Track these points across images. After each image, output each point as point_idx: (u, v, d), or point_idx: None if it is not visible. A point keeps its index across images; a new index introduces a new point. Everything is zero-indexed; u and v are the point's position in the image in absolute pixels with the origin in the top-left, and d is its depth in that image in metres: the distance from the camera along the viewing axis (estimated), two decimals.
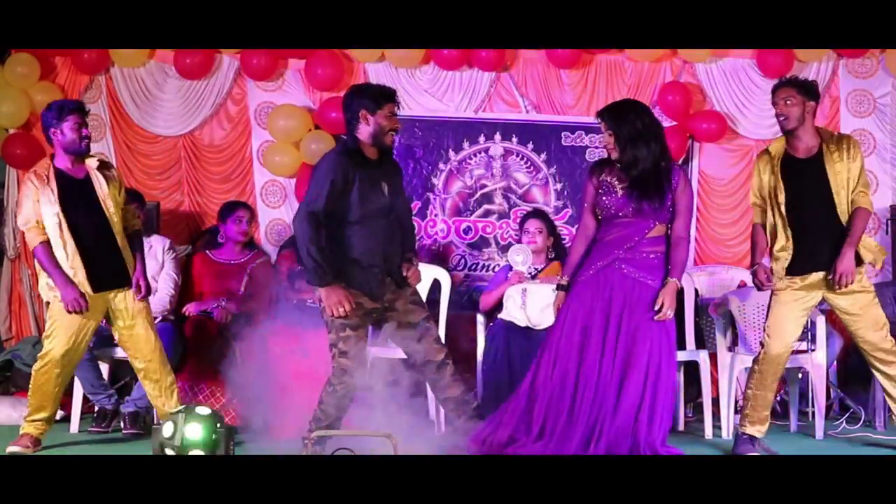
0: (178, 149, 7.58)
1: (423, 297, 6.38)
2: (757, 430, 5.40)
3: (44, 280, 5.45)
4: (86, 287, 5.34)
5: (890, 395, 5.42)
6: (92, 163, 5.50)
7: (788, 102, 5.30)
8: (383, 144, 5.09)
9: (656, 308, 4.99)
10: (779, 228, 5.35)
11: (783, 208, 5.32)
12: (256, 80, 7.57)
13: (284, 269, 6.41)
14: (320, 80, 7.47)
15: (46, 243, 5.36)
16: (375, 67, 7.51)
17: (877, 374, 5.45)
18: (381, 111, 5.03)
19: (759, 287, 5.41)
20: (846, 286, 5.22)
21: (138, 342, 5.49)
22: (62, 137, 5.40)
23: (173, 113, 7.54)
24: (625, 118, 5.09)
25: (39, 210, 5.35)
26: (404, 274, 5.18)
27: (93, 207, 5.43)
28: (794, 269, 5.33)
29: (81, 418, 6.04)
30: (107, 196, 5.43)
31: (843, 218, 5.29)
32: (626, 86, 7.54)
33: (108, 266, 5.41)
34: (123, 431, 5.97)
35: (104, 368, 6.15)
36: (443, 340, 5.36)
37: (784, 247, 5.33)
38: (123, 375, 6.46)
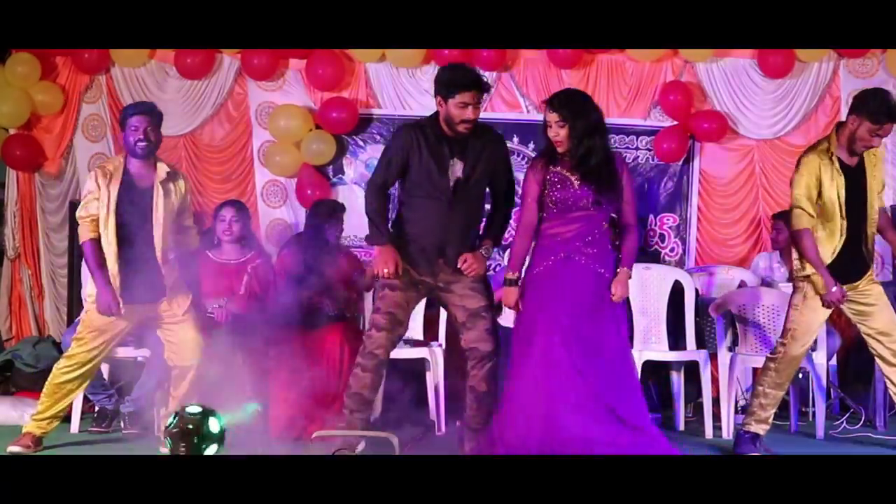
0: (179, 149, 7.58)
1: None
2: (761, 428, 5.41)
3: (89, 288, 5.42)
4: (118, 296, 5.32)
5: None
6: (161, 172, 5.40)
7: (881, 134, 5.20)
8: (457, 132, 4.99)
9: (612, 297, 4.94)
10: (833, 236, 5.28)
11: (843, 219, 5.25)
12: (257, 80, 7.57)
13: (284, 269, 6.40)
14: (321, 80, 7.47)
15: (97, 241, 5.31)
16: (376, 67, 7.52)
17: (886, 367, 5.42)
18: (452, 100, 4.93)
19: (830, 305, 5.29)
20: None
21: (180, 348, 5.49)
22: (123, 141, 5.41)
23: (174, 113, 7.52)
24: (581, 110, 4.94)
25: (96, 206, 5.32)
26: (459, 265, 5.05)
27: (146, 219, 5.34)
28: (846, 277, 5.29)
29: (81, 418, 6.03)
30: (162, 211, 5.36)
31: (871, 229, 5.32)
32: (627, 86, 7.55)
33: (146, 280, 5.35)
34: (123, 431, 5.97)
35: (104, 368, 6.15)
36: (497, 333, 5.18)
37: (830, 257, 5.28)
38: (123, 375, 6.45)
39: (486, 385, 5.11)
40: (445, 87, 4.95)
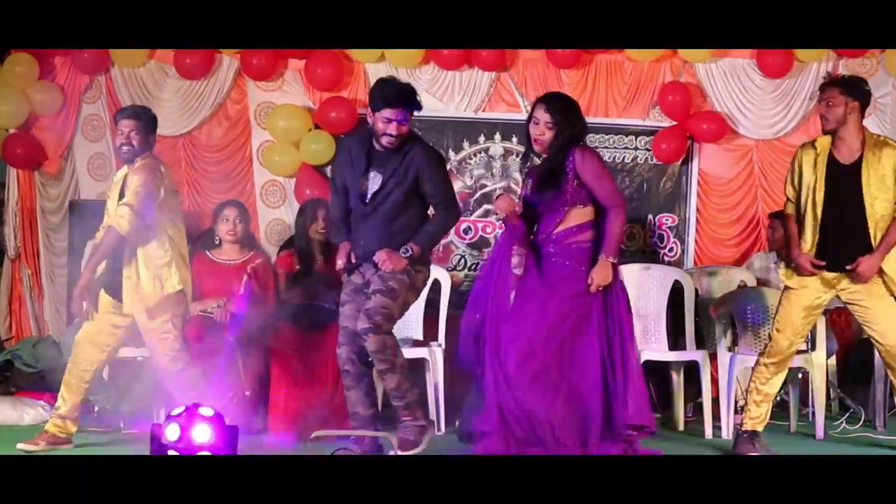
0: (178, 149, 7.57)
1: (423, 296, 6.40)
2: (758, 426, 5.41)
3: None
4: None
5: None
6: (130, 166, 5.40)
7: (830, 103, 5.25)
8: (382, 146, 5.05)
9: (590, 286, 4.91)
10: (807, 227, 5.32)
11: (818, 209, 5.28)
12: (256, 80, 7.57)
13: (283, 270, 6.40)
14: (320, 80, 7.47)
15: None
16: (375, 67, 7.51)
17: (890, 372, 5.43)
18: (378, 113, 5.00)
19: (801, 273, 5.31)
20: (863, 282, 5.22)
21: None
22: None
23: (173, 113, 7.53)
24: (570, 120, 5.01)
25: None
26: (374, 258, 5.05)
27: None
28: (830, 268, 5.29)
29: (81, 418, 6.02)
30: (114, 203, 5.35)
31: (872, 225, 5.24)
32: (626, 86, 7.55)
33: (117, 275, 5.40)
34: (123, 431, 5.97)
35: (105, 370, 6.14)
36: (379, 319, 5.00)
37: (810, 247, 5.31)
38: (123, 375, 6.44)
39: (376, 365, 5.08)
40: (373, 99, 5.05)
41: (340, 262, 5.20)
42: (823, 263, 5.26)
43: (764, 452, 5.36)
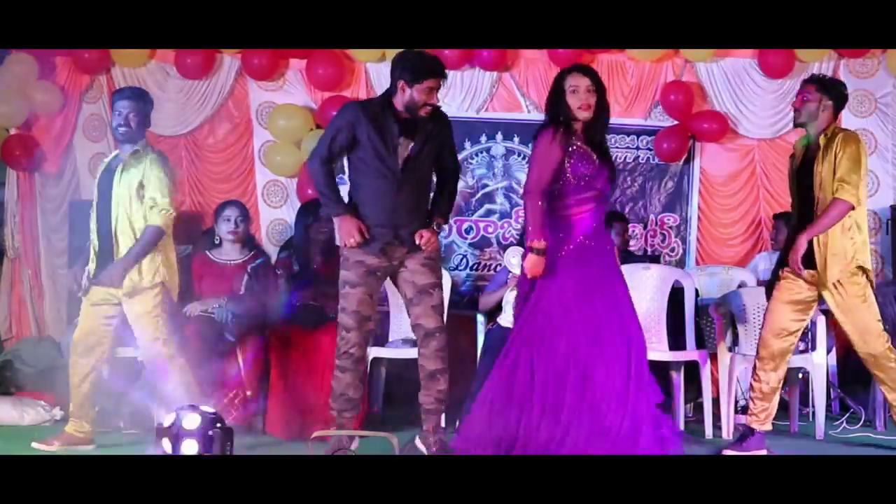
0: (180, 149, 7.58)
1: None
2: (756, 423, 5.42)
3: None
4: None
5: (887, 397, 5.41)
6: (127, 151, 5.37)
7: (805, 98, 5.31)
8: (416, 116, 5.00)
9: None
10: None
11: (795, 203, 5.39)
12: (257, 80, 7.58)
13: (284, 272, 6.40)
14: (321, 80, 7.48)
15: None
16: (377, 67, 7.52)
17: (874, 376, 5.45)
18: (419, 85, 4.94)
19: (795, 273, 5.30)
20: (797, 273, 5.23)
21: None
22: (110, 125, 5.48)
23: (174, 113, 7.54)
24: (603, 87, 4.86)
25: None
26: (416, 241, 5.03)
27: (110, 199, 5.33)
28: (786, 264, 5.34)
29: None
30: (120, 189, 5.32)
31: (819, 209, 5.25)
32: (628, 85, 7.56)
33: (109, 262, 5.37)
34: (123, 431, 5.97)
35: (105, 370, 6.14)
36: (444, 312, 5.18)
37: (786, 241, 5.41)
38: (123, 375, 6.44)
39: (434, 363, 5.11)
40: (413, 72, 4.95)
41: (354, 239, 4.95)
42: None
43: (765, 450, 5.37)
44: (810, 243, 5.22)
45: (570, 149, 4.74)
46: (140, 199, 5.28)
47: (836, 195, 5.14)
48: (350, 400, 5.18)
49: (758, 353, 5.44)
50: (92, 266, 5.36)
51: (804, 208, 5.32)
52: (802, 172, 5.34)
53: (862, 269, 5.25)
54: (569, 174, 4.74)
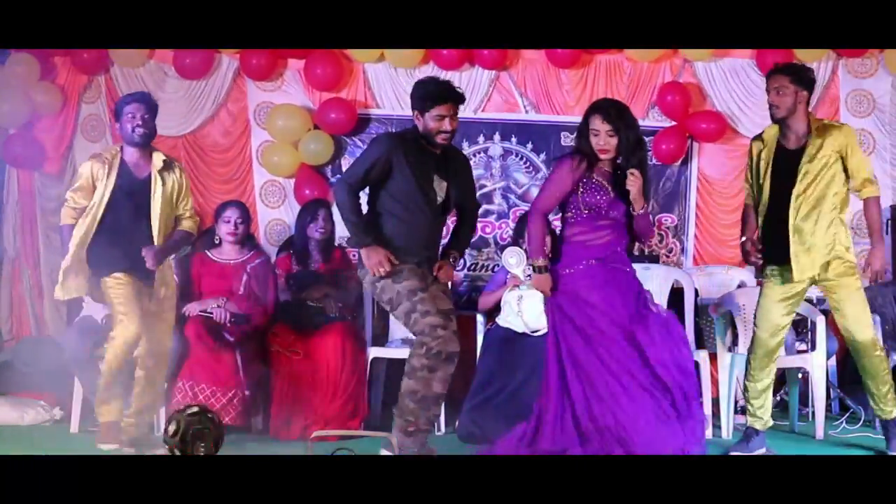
0: (178, 149, 7.57)
1: None
2: (756, 422, 5.45)
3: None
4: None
5: (869, 391, 5.45)
6: (158, 161, 5.45)
7: (780, 92, 5.27)
8: (434, 144, 5.03)
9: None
10: (758, 215, 5.42)
11: (765, 197, 5.36)
12: (256, 80, 7.57)
13: (283, 272, 6.40)
14: (320, 80, 7.48)
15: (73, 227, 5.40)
16: (375, 67, 7.52)
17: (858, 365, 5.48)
18: (428, 113, 4.97)
19: (747, 260, 5.48)
20: (880, 281, 5.37)
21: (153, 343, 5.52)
22: (120, 131, 5.47)
23: (173, 113, 7.54)
24: (631, 124, 4.91)
25: (83, 196, 5.40)
26: (434, 272, 5.10)
27: (143, 208, 5.42)
28: (775, 259, 5.36)
29: (81, 418, 6.03)
30: (160, 200, 5.43)
31: (809, 214, 5.25)
32: (626, 85, 7.56)
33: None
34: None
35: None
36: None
37: (755, 235, 5.43)
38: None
39: (443, 386, 5.06)
40: (421, 100, 5.00)
41: (384, 269, 4.93)
42: (762, 247, 5.35)
43: (766, 450, 5.38)
44: (786, 237, 5.25)
45: (584, 181, 4.90)
46: (172, 208, 5.53)
47: (868, 193, 5.29)
48: (430, 407, 5.10)
49: (752, 352, 5.45)
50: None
51: (777, 201, 5.30)
52: (779, 165, 5.33)
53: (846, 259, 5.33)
54: (580, 204, 4.91)
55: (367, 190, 5.14)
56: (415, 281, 4.99)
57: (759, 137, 5.50)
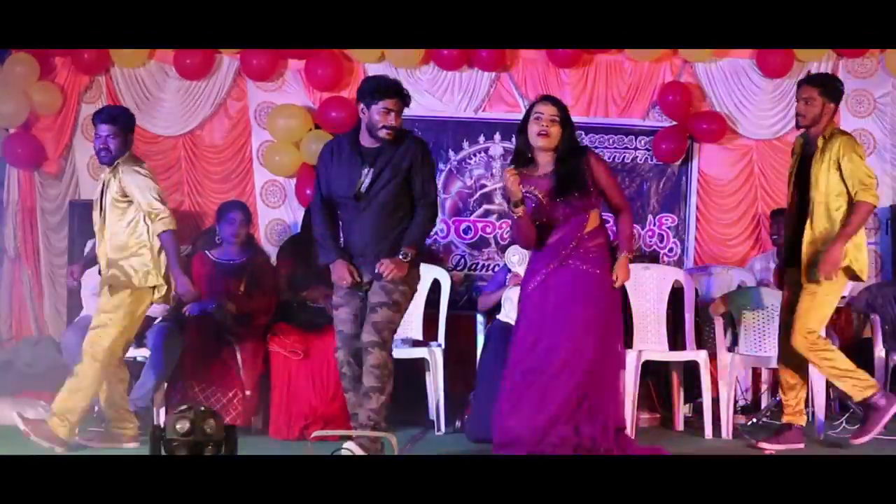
0: (178, 149, 7.58)
1: (423, 296, 6.40)
2: (799, 417, 5.62)
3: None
4: None
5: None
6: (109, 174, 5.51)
7: (808, 103, 5.39)
8: (378, 139, 5.05)
9: (614, 283, 4.95)
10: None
11: (790, 201, 5.48)
12: (256, 81, 7.57)
13: (284, 272, 6.40)
14: (320, 80, 7.47)
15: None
16: (375, 67, 7.51)
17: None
18: (375, 106, 5.00)
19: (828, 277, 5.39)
20: (829, 278, 5.28)
21: None
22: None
23: (173, 113, 7.54)
24: (569, 116, 5.04)
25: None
26: (377, 269, 5.03)
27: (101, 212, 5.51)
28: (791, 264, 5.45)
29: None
30: (108, 203, 5.45)
31: (818, 219, 5.34)
32: (626, 86, 7.56)
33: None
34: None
35: None
36: (391, 331, 5.12)
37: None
38: None
39: (369, 380, 4.98)
40: (369, 94, 5.04)
41: (346, 281, 5.05)
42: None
43: (797, 446, 5.54)
44: (801, 241, 5.32)
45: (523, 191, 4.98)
46: (121, 209, 5.44)
47: (857, 198, 5.27)
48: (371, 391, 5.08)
49: (786, 351, 5.52)
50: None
51: (799, 207, 5.40)
52: (800, 171, 5.40)
53: (849, 268, 5.35)
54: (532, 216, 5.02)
55: None
56: (336, 296, 5.15)
57: (800, 136, 5.60)
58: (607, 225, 5.20)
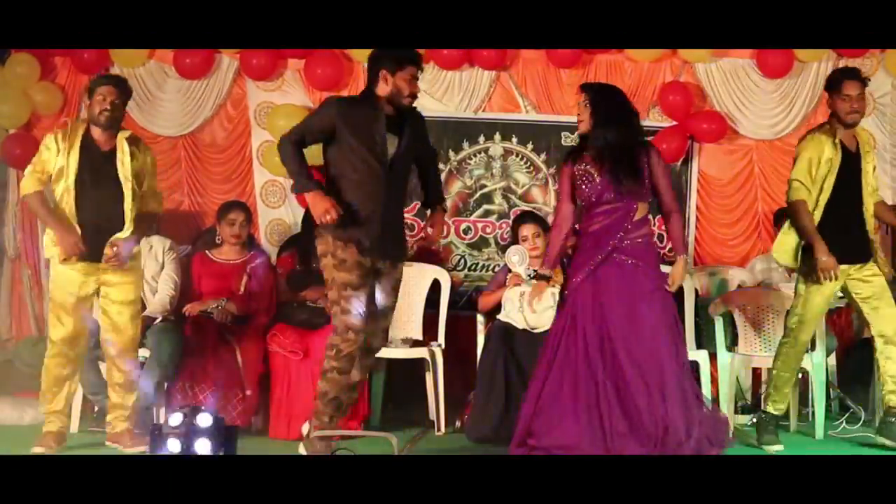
0: (178, 149, 7.58)
1: (423, 296, 6.41)
2: (779, 410, 5.66)
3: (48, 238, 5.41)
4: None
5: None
6: (121, 138, 5.44)
7: (860, 98, 5.51)
8: (401, 106, 5.02)
9: (670, 286, 4.95)
10: (815, 217, 5.48)
11: (825, 196, 5.47)
12: (256, 80, 7.57)
13: (284, 271, 6.40)
14: (320, 80, 7.47)
15: (42, 192, 5.37)
16: None
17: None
18: (400, 72, 4.97)
19: (825, 275, 5.42)
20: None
21: (118, 325, 5.50)
22: (88, 109, 5.52)
23: (173, 113, 7.54)
24: (609, 99, 5.05)
25: (50, 169, 5.35)
26: (429, 230, 5.15)
27: (111, 182, 5.38)
28: (839, 256, 5.45)
29: (81, 418, 6.03)
30: (128, 173, 5.39)
31: (867, 214, 5.53)
32: (626, 86, 7.52)
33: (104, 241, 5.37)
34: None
35: (103, 368, 6.14)
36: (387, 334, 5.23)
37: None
38: None
39: (362, 374, 5.17)
40: (395, 61, 4.98)
41: (330, 216, 4.82)
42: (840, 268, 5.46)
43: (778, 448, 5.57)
44: (866, 234, 5.54)
45: (578, 173, 5.04)
46: (137, 187, 5.43)
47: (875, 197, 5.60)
48: (341, 403, 5.12)
49: (797, 347, 5.62)
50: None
51: (854, 208, 5.51)
52: (850, 171, 5.50)
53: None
54: (578, 197, 5.07)
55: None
56: (352, 276, 4.94)
57: (828, 133, 5.55)
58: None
